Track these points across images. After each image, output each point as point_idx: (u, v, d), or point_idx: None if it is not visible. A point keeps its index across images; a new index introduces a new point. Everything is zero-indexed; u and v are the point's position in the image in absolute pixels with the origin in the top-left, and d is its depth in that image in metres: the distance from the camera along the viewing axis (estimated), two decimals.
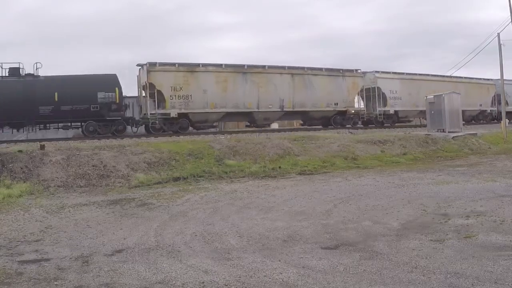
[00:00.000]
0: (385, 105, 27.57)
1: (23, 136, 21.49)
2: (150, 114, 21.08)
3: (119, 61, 74.61)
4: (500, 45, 23.29)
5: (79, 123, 20.33)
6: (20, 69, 19.90)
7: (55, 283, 4.93)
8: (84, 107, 19.75)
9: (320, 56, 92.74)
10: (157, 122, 21.29)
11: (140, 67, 22.33)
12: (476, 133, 22.28)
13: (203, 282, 4.80)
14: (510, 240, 5.83)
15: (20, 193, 10.77)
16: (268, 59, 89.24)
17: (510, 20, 22.80)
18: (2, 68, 19.80)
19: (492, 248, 5.53)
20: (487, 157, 17.45)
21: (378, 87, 27.07)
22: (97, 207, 9.42)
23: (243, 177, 13.42)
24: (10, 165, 12.56)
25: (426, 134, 20.91)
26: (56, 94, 19.36)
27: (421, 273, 4.79)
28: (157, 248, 6.22)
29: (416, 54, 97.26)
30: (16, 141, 17.80)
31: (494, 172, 12.78)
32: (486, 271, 4.75)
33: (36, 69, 19.98)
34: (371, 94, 27.06)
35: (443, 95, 22.30)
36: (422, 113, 26.68)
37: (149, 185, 12.23)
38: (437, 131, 21.67)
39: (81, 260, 5.73)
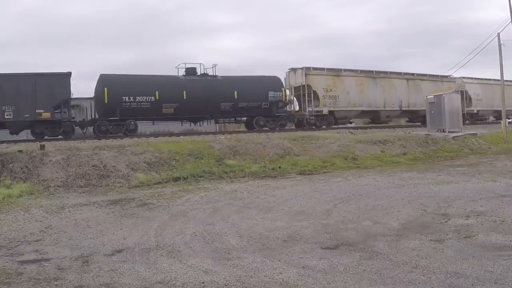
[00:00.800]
0: (470, 105, 31.47)
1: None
2: (308, 111, 24.40)
3: (119, 61, 74.67)
4: (500, 45, 23.29)
5: (248, 118, 23.60)
6: (197, 69, 23.15)
7: (55, 283, 4.93)
8: (257, 104, 23.05)
9: (320, 56, 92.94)
10: (312, 117, 24.60)
11: (290, 70, 25.78)
12: (476, 133, 22.29)
13: (203, 282, 4.80)
14: (510, 240, 5.83)
15: (20, 193, 10.77)
16: (268, 59, 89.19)
17: (510, 20, 22.80)
18: (177, 68, 22.91)
19: (492, 248, 5.53)
20: (487, 157, 17.45)
21: (466, 90, 30.93)
22: (97, 207, 9.42)
23: (243, 177, 13.42)
24: (10, 165, 12.56)
25: (426, 134, 20.91)
26: (235, 92, 22.42)
27: (421, 273, 4.79)
28: (157, 248, 6.22)
29: (416, 54, 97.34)
30: (16, 141, 17.80)
31: (494, 172, 12.77)
32: (486, 271, 4.75)
33: (214, 69, 23.12)
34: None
35: (443, 95, 22.32)
36: (495, 112, 32.14)
37: (149, 185, 12.24)
38: (437, 131, 21.67)
39: (81, 260, 5.73)
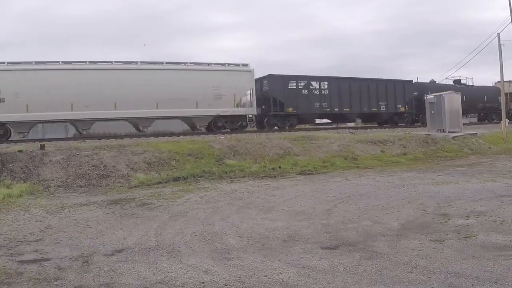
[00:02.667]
0: None
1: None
2: None
3: None
4: (500, 45, 23.28)
5: None
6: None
7: (55, 283, 4.92)
8: None
9: (320, 56, 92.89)
10: None
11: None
12: (476, 133, 22.28)
13: (203, 282, 4.80)
14: (510, 240, 5.83)
15: (20, 193, 10.77)
16: (269, 59, 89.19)
17: (510, 20, 22.79)
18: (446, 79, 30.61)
19: (492, 248, 5.53)
20: (487, 157, 17.45)
21: None
22: (97, 207, 9.41)
23: (243, 177, 13.42)
24: (10, 165, 12.56)
25: (426, 134, 20.91)
26: None
27: (421, 273, 4.79)
28: (157, 248, 6.22)
29: (416, 54, 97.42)
30: (16, 141, 17.80)
31: (494, 172, 12.77)
32: (486, 271, 4.75)
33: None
34: None
35: (443, 95, 22.31)
36: None
37: (149, 185, 12.23)
38: (437, 131, 21.67)
39: (81, 260, 5.73)
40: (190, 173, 13.36)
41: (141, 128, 21.77)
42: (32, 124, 20.29)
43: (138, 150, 14.53)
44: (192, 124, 22.91)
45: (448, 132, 21.41)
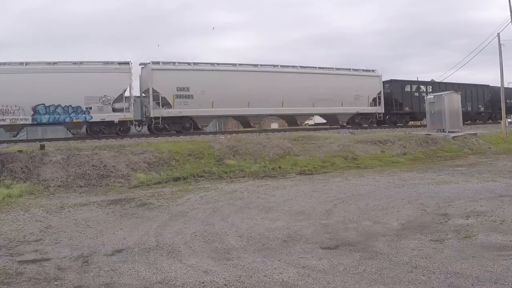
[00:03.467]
0: None
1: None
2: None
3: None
4: (500, 45, 23.28)
5: None
6: None
7: (55, 283, 4.92)
8: None
9: (323, 56, 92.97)
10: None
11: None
12: (476, 133, 22.28)
13: (203, 282, 4.80)
14: (510, 240, 5.83)
15: (20, 193, 10.77)
16: (269, 59, 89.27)
17: (510, 20, 22.79)
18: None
19: (492, 248, 5.53)
20: (487, 157, 17.46)
21: None
22: (97, 207, 9.41)
23: (243, 177, 13.42)
24: (10, 165, 12.56)
25: (426, 134, 20.91)
26: None
27: (421, 273, 4.79)
28: (157, 248, 6.22)
29: (418, 53, 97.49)
30: (16, 141, 17.81)
31: (494, 172, 12.78)
32: (486, 271, 4.75)
33: None
34: None
35: (443, 95, 22.32)
36: None
37: (149, 185, 12.23)
38: (437, 131, 21.67)
39: (81, 260, 5.73)
40: (190, 173, 13.36)
41: (299, 122, 26.18)
42: (213, 118, 24.28)
43: (138, 150, 14.54)
44: (336, 120, 26.55)
45: (448, 132, 21.42)
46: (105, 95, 19.85)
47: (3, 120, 18.54)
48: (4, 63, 19.34)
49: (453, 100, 22.55)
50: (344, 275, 4.86)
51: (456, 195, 9.19)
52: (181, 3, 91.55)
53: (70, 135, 20.65)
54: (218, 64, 23.23)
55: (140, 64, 22.09)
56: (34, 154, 13.25)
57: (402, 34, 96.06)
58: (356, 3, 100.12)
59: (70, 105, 19.38)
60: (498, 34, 23.45)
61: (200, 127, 22.76)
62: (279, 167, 14.66)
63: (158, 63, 21.50)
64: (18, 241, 6.77)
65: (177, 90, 21.52)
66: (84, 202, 9.96)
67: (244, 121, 25.19)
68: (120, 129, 20.47)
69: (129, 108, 20.42)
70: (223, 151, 15.42)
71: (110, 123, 20.18)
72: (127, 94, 20.57)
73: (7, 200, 10.08)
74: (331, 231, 6.82)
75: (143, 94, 22.00)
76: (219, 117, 25.22)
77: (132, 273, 5.17)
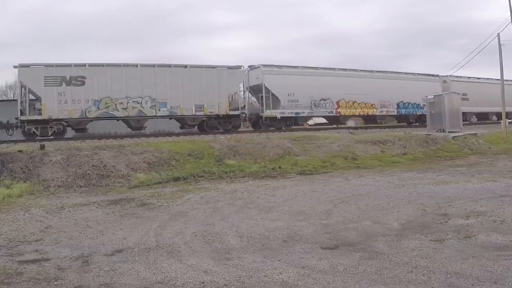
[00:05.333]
0: None
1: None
2: None
3: (119, 60, 74.53)
4: (500, 45, 23.26)
5: None
6: None
7: (55, 283, 4.92)
8: None
9: (322, 56, 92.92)
10: None
11: None
12: (476, 133, 22.27)
13: (203, 282, 4.80)
14: (510, 240, 5.83)
15: (20, 193, 10.77)
16: (269, 59, 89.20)
17: (510, 20, 22.77)
18: None
19: (492, 248, 5.53)
20: (487, 157, 17.46)
21: None
22: (97, 207, 9.41)
23: (243, 177, 13.42)
24: (10, 165, 12.56)
25: (426, 134, 20.90)
26: None
27: (421, 273, 4.79)
28: (157, 248, 6.22)
29: (418, 53, 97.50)
30: (16, 141, 17.82)
31: (494, 172, 12.77)
32: (486, 271, 4.75)
33: None
34: None
35: (443, 95, 22.31)
36: None
37: (149, 185, 12.23)
38: (437, 131, 21.67)
39: (81, 260, 5.73)
40: (190, 173, 13.35)
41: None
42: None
43: (138, 150, 14.53)
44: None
45: (448, 132, 21.41)
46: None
47: (381, 111, 27.77)
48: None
49: (453, 100, 22.55)
50: (344, 275, 4.86)
51: (456, 195, 9.19)
52: (181, 3, 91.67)
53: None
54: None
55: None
56: (34, 154, 13.25)
57: (402, 34, 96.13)
58: (356, 3, 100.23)
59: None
60: (498, 34, 23.44)
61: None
62: (279, 167, 14.66)
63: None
64: (18, 241, 6.77)
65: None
66: (84, 202, 9.96)
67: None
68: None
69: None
70: (223, 151, 15.41)
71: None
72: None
73: (7, 200, 10.08)
74: (331, 231, 6.82)
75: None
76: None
77: (132, 273, 5.17)
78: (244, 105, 23.84)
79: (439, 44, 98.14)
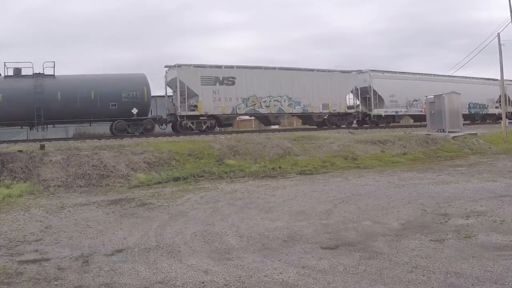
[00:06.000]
0: None
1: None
2: None
3: (120, 60, 74.67)
4: (500, 45, 23.26)
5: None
6: None
7: (55, 283, 4.92)
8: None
9: (322, 56, 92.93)
10: None
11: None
12: (476, 133, 22.27)
13: (203, 282, 4.80)
14: (510, 240, 5.83)
15: (20, 193, 10.77)
16: (269, 59, 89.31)
17: (510, 20, 22.78)
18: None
19: (492, 248, 5.53)
20: (487, 157, 17.45)
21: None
22: (97, 207, 9.41)
23: (243, 177, 13.42)
24: (10, 165, 12.56)
25: (426, 134, 20.90)
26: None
27: (421, 273, 4.79)
28: (157, 248, 6.22)
29: (418, 53, 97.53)
30: (16, 141, 17.82)
31: (494, 172, 12.77)
32: (486, 271, 4.75)
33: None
34: None
35: (443, 95, 22.31)
36: None
37: (149, 185, 12.23)
38: (437, 131, 21.67)
39: (81, 260, 5.73)
40: (190, 173, 13.35)
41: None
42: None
43: (138, 150, 14.53)
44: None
45: (448, 132, 21.41)
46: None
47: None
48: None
49: (453, 100, 22.55)
50: (344, 275, 4.86)
51: (456, 195, 9.19)
52: (181, 3, 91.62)
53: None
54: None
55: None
56: (34, 154, 13.25)
57: (402, 34, 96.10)
58: (356, 3, 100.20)
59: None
60: (498, 34, 23.46)
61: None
62: (279, 167, 14.66)
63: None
64: (18, 241, 6.77)
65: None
66: (84, 202, 9.96)
67: None
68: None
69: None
70: (223, 151, 15.41)
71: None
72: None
73: (7, 200, 10.08)
74: (331, 231, 6.82)
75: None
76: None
77: (132, 273, 5.17)
78: (358, 104, 28.10)
79: (439, 44, 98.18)
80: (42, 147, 14.00)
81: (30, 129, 21.27)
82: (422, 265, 5.05)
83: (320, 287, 4.58)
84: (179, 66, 22.27)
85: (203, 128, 22.26)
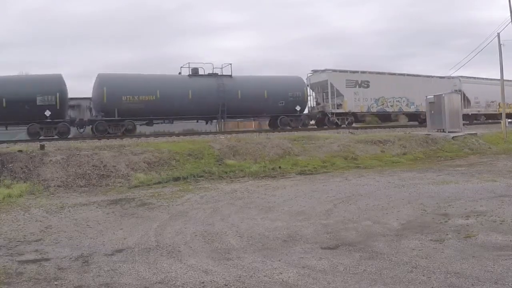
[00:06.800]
0: None
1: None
2: None
3: (120, 60, 74.68)
4: (500, 45, 23.26)
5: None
6: None
7: (55, 283, 4.93)
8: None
9: (322, 56, 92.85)
10: None
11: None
12: (476, 133, 22.27)
13: (203, 282, 4.80)
14: (510, 240, 5.83)
15: (20, 193, 10.77)
16: (269, 59, 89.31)
17: (510, 20, 22.78)
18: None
19: (492, 248, 5.53)
20: (487, 157, 17.45)
21: None
22: (97, 207, 9.42)
23: (243, 177, 13.42)
24: (10, 165, 12.56)
25: (426, 134, 20.90)
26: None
27: (421, 273, 4.79)
28: (157, 248, 6.22)
29: (418, 53, 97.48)
30: (16, 141, 17.83)
31: (494, 172, 12.77)
32: (486, 271, 4.75)
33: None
34: None
35: (443, 95, 22.31)
36: None
37: (149, 185, 12.24)
38: (437, 131, 21.67)
39: (81, 260, 5.73)
40: (190, 173, 13.35)
41: None
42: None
43: (138, 150, 14.54)
44: None
45: (448, 132, 21.41)
46: None
47: None
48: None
49: (453, 100, 22.55)
50: (344, 275, 4.86)
51: (456, 195, 9.19)
52: (181, 3, 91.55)
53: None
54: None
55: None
56: (34, 154, 13.26)
57: (402, 34, 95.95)
58: (356, 3, 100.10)
59: None
60: (498, 34, 23.46)
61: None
62: (279, 167, 14.66)
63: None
64: (18, 241, 6.77)
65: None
66: (84, 202, 9.96)
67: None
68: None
69: None
70: (223, 151, 15.42)
71: None
72: None
73: (7, 200, 10.08)
74: (331, 231, 6.82)
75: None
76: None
77: (132, 273, 5.17)
78: None
79: (439, 44, 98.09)
80: (42, 147, 14.00)
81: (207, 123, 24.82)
82: (422, 265, 5.05)
83: (320, 287, 4.58)
84: (330, 70, 27.35)
85: (346, 124, 26.67)
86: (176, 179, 12.90)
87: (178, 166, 13.91)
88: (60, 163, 12.91)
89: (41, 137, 19.23)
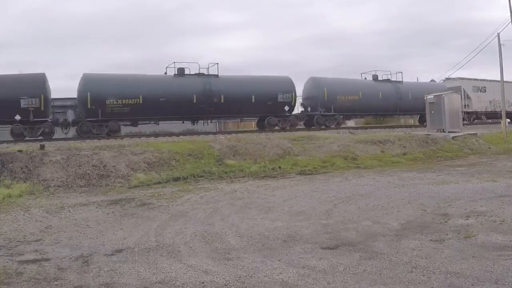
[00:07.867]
0: None
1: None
2: None
3: (120, 60, 74.69)
4: (500, 45, 23.27)
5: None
6: None
7: (55, 283, 4.93)
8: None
9: (322, 56, 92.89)
10: None
11: None
12: (476, 133, 22.27)
13: (203, 282, 4.80)
14: (510, 240, 5.83)
15: (20, 193, 10.77)
16: (269, 59, 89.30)
17: (510, 20, 22.79)
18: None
19: (492, 248, 5.53)
20: (487, 157, 17.46)
21: None
22: (97, 207, 9.41)
23: (243, 177, 13.42)
24: (10, 165, 12.56)
25: (426, 134, 20.90)
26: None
27: (421, 273, 4.79)
28: (157, 248, 6.22)
29: (418, 53, 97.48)
30: (16, 141, 17.83)
31: (494, 172, 12.78)
32: (486, 271, 4.75)
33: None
34: None
35: (443, 95, 22.31)
36: None
37: (149, 185, 12.23)
38: (437, 131, 21.67)
39: (81, 260, 5.73)
40: (190, 173, 13.35)
41: None
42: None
43: (138, 150, 14.53)
44: None
45: (448, 132, 21.42)
46: None
47: None
48: None
49: (453, 100, 22.55)
50: (344, 275, 4.86)
51: (456, 195, 9.19)
52: (181, 3, 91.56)
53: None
54: None
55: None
56: (34, 154, 13.26)
57: (402, 34, 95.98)
58: (356, 3, 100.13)
59: None
60: (498, 34, 23.48)
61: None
62: (279, 167, 14.66)
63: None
64: (18, 241, 6.77)
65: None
66: (84, 202, 9.96)
67: None
68: None
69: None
70: (223, 151, 15.42)
71: None
72: None
73: (7, 200, 10.09)
74: (331, 231, 6.82)
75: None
76: None
77: (132, 273, 5.17)
78: None
79: (439, 44, 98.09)
80: (42, 147, 14.00)
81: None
82: (422, 265, 5.05)
83: (320, 287, 4.58)
84: (461, 78, 32.87)
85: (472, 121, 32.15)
86: (176, 179, 12.90)
87: (178, 166, 13.91)
88: (60, 163, 12.91)
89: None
